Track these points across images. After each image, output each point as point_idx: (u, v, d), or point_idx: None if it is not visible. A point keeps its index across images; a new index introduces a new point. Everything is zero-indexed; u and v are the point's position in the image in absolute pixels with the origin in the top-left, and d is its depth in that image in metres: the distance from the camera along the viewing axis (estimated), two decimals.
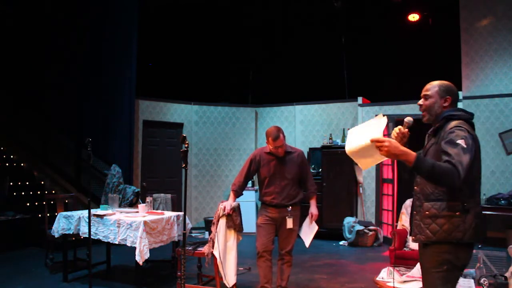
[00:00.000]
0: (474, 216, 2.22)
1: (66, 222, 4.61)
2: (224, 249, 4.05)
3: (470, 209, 2.22)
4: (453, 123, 2.27)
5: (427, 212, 2.30)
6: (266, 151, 4.03)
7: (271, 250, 4.00)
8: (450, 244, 2.23)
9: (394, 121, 7.07)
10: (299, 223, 4.04)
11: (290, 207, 3.95)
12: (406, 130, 2.42)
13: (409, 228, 4.76)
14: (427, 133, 2.47)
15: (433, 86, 2.43)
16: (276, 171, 3.95)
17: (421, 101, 2.46)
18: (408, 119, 2.44)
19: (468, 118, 2.33)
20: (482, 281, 3.55)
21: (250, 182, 8.24)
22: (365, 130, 2.33)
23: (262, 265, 3.97)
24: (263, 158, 3.99)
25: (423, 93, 2.45)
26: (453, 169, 2.08)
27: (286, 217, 3.92)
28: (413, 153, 2.16)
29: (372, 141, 2.18)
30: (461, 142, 2.15)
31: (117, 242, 4.24)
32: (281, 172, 3.96)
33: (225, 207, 4.03)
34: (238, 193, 4.16)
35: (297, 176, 4.00)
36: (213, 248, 4.05)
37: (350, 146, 2.36)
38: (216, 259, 4.03)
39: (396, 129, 2.43)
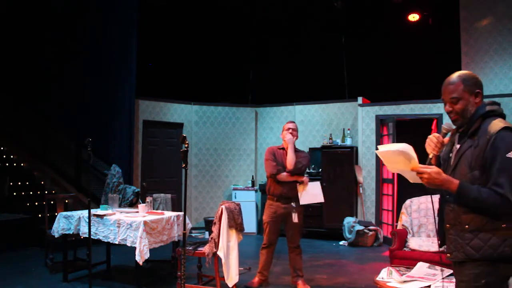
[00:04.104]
0: None
1: (66, 222, 4.61)
2: (226, 249, 4.07)
3: None
4: (495, 123, 1.99)
5: (466, 226, 1.99)
6: (279, 147, 4.54)
7: (276, 241, 4.51)
8: (496, 261, 1.93)
9: (394, 121, 7.08)
10: (303, 218, 4.51)
11: (294, 203, 4.33)
12: (447, 138, 2.15)
13: (409, 229, 4.77)
14: (457, 131, 2.17)
15: (456, 85, 2.07)
16: (284, 163, 4.39)
17: (448, 107, 2.11)
18: (447, 124, 2.15)
19: (502, 112, 2.08)
20: None
21: (250, 182, 8.32)
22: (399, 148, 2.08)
23: (265, 254, 4.47)
24: (276, 151, 4.49)
25: (449, 96, 2.09)
26: (502, 201, 1.88)
27: (292, 212, 4.30)
28: (455, 182, 1.96)
29: (413, 169, 2.03)
30: None
31: (117, 242, 4.24)
32: None
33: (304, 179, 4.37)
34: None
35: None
36: (215, 249, 4.06)
37: (384, 148, 2.11)
38: (216, 259, 4.03)
39: (433, 138, 2.12)
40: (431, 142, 2.12)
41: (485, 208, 1.94)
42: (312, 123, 8.28)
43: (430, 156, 2.13)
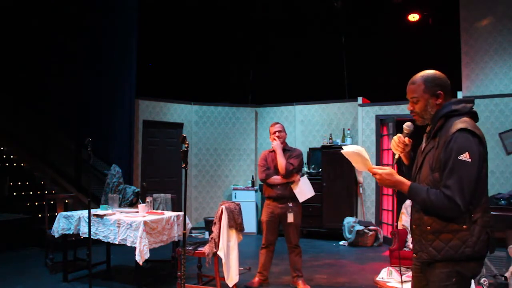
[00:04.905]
0: (483, 226, 1.94)
1: (66, 222, 4.61)
2: (226, 249, 4.07)
3: (478, 220, 1.94)
4: (456, 123, 1.97)
5: (428, 227, 2.01)
6: (270, 150, 4.63)
7: (275, 241, 4.56)
8: (459, 261, 1.95)
9: (394, 121, 7.08)
10: (301, 218, 4.53)
11: (291, 203, 4.38)
12: (407, 138, 2.19)
13: (409, 229, 4.77)
14: (425, 132, 2.18)
15: (417, 85, 2.09)
16: (276, 166, 4.46)
17: (409, 106, 2.14)
18: (407, 124, 2.16)
19: (469, 110, 2.04)
20: (482, 281, 3.55)
21: (250, 182, 8.32)
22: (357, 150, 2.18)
23: (264, 254, 4.53)
24: (268, 155, 4.59)
25: (410, 95, 2.12)
26: (449, 204, 1.89)
27: (287, 212, 4.35)
28: (407, 184, 2.01)
29: (368, 170, 2.11)
30: (464, 157, 1.89)
31: (117, 242, 4.24)
32: None
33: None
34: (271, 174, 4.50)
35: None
36: (215, 249, 4.06)
37: (345, 149, 2.19)
38: (216, 259, 4.03)
39: (396, 138, 2.19)
40: (394, 142, 2.20)
41: (434, 210, 1.96)
42: (312, 123, 8.28)
43: (396, 156, 2.24)
